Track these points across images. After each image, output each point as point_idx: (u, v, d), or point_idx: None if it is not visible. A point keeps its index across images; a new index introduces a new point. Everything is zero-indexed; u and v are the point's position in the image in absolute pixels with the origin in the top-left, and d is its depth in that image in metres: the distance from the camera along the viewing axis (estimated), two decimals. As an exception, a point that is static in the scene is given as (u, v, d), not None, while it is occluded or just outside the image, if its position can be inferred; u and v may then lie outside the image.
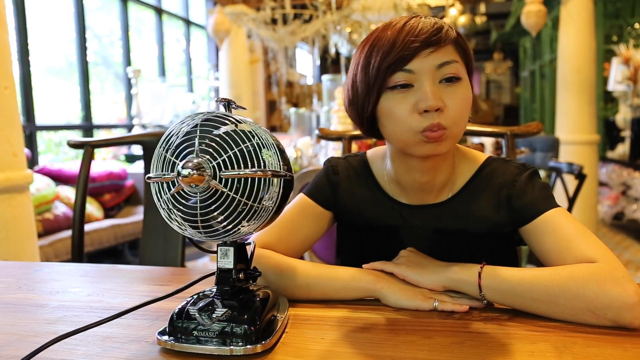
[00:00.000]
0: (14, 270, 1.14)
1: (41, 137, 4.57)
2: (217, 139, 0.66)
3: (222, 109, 0.71)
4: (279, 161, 0.68)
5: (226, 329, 0.67)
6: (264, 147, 0.67)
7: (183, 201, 0.67)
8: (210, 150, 0.66)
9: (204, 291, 0.74)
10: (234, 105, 0.73)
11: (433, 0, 5.73)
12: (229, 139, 0.66)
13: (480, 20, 8.06)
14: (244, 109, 0.76)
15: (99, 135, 5.03)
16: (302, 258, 0.95)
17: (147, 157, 1.53)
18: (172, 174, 0.67)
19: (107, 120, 5.34)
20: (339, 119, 4.15)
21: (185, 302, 0.71)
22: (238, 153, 0.66)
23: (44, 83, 4.58)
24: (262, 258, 0.86)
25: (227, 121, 0.67)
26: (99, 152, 4.73)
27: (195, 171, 0.64)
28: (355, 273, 0.85)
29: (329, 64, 8.94)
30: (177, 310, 0.70)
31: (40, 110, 4.25)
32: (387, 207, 0.95)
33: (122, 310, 0.72)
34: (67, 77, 4.88)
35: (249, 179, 0.65)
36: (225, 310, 0.68)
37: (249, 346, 0.66)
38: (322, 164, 1.05)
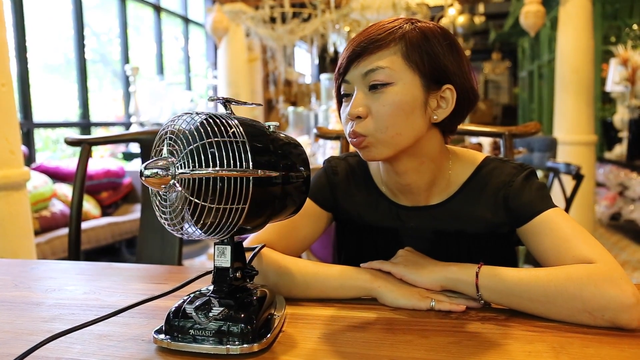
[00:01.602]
0: (10, 267, 1.14)
1: (39, 135, 4.56)
2: (187, 136, 0.64)
3: (221, 108, 0.71)
4: (248, 160, 0.64)
5: (223, 328, 0.67)
6: (233, 145, 0.64)
7: (161, 201, 0.68)
8: (176, 149, 0.65)
9: (201, 290, 0.74)
10: (233, 103, 0.72)
11: (432, 0, 5.73)
12: (196, 136, 0.64)
13: (479, 20, 8.07)
14: (247, 103, 0.75)
15: (96, 133, 5.02)
16: (300, 257, 0.95)
17: (144, 155, 1.53)
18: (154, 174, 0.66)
19: (105, 118, 5.33)
20: (337, 118, 4.14)
21: (182, 300, 0.71)
22: (201, 149, 0.63)
23: (41, 80, 4.56)
24: (260, 256, 0.86)
25: (205, 121, 0.65)
26: (96, 150, 4.73)
27: (157, 172, 0.63)
28: (352, 272, 0.85)
29: (328, 62, 8.94)
30: (173, 309, 0.70)
31: (37, 108, 4.24)
32: (385, 208, 0.95)
33: (118, 308, 0.72)
34: (65, 74, 4.87)
35: (211, 178, 0.62)
36: (221, 309, 0.67)
37: (245, 345, 0.66)
38: (320, 163, 1.06)
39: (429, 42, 0.82)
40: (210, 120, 0.65)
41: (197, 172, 0.62)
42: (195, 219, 0.64)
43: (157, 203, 0.69)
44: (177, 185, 0.63)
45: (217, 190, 0.63)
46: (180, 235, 0.69)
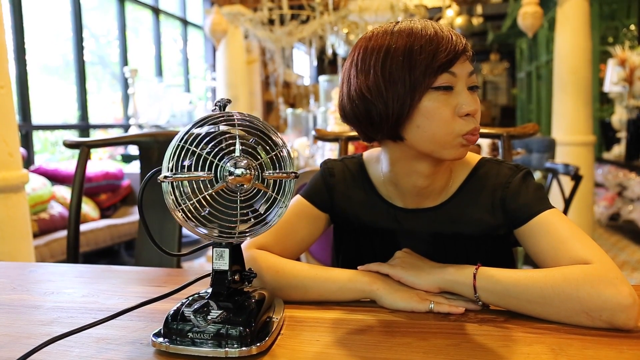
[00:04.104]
0: (8, 270, 1.13)
1: (37, 137, 4.56)
2: (253, 141, 0.71)
3: (218, 110, 0.71)
4: (290, 164, 0.73)
5: (221, 331, 0.67)
6: (288, 152, 0.73)
7: (223, 202, 0.68)
8: (250, 151, 0.69)
9: (199, 292, 0.74)
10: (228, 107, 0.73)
11: (430, 2, 5.74)
12: (268, 142, 0.71)
13: (477, 21, 8.08)
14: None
15: (95, 135, 5.02)
16: (298, 260, 0.95)
17: (143, 157, 1.53)
18: (209, 173, 0.66)
19: (103, 120, 5.33)
20: (335, 120, 4.14)
21: (181, 303, 0.71)
22: (274, 156, 0.71)
23: (40, 82, 4.56)
24: (258, 259, 0.86)
25: (256, 125, 0.71)
26: (95, 152, 4.72)
27: (247, 171, 0.67)
28: (351, 274, 0.85)
29: (326, 64, 8.93)
30: (172, 312, 0.70)
31: (36, 110, 4.23)
32: (382, 210, 0.95)
33: (117, 311, 0.72)
34: (64, 76, 4.87)
35: (280, 181, 0.72)
36: (220, 312, 0.67)
37: (244, 348, 0.66)
38: (318, 165, 1.05)
39: None
40: (264, 128, 0.72)
41: (281, 173, 0.71)
42: (266, 214, 0.71)
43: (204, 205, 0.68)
44: (260, 185, 0.70)
45: (289, 190, 0.73)
46: (217, 238, 0.71)
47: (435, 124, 0.81)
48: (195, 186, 0.67)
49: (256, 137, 0.70)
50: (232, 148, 0.68)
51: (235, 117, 0.70)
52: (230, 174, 0.66)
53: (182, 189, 0.67)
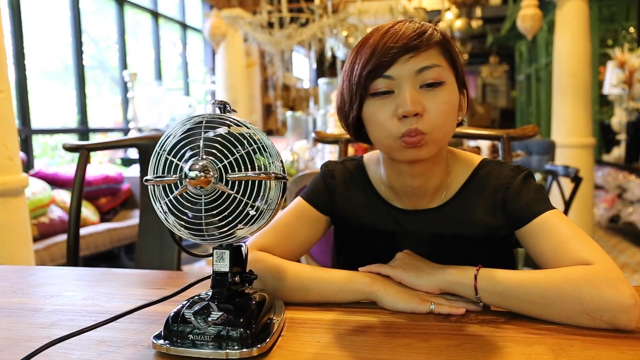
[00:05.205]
0: (8, 274, 1.13)
1: (37, 141, 4.56)
2: (221, 139, 0.67)
3: (217, 112, 0.71)
4: (280, 164, 0.69)
5: (222, 333, 0.67)
6: (264, 150, 0.68)
7: (187, 204, 0.68)
8: (214, 152, 0.66)
9: (200, 294, 0.74)
10: (228, 108, 0.73)
11: (429, 4, 5.75)
12: (233, 140, 0.67)
13: (476, 24, 8.09)
14: (235, 112, 0.76)
15: (95, 138, 5.02)
16: (298, 261, 0.95)
17: (143, 161, 1.53)
18: (174, 176, 0.67)
19: (103, 124, 5.33)
20: (335, 122, 4.14)
21: (181, 305, 0.71)
22: (245, 155, 0.67)
23: (39, 86, 4.57)
24: (258, 261, 0.86)
25: (228, 123, 0.68)
26: (94, 156, 4.73)
27: (202, 173, 0.65)
28: (351, 276, 0.85)
29: (326, 67, 8.95)
30: (172, 314, 0.70)
31: (36, 114, 4.24)
32: (383, 212, 0.95)
33: (117, 314, 0.72)
34: (63, 80, 4.87)
35: (250, 182, 0.66)
36: (220, 313, 0.67)
37: (244, 350, 0.66)
38: (318, 167, 1.05)
39: (453, 45, 0.86)
40: (239, 126, 0.68)
41: (243, 174, 0.66)
42: (232, 218, 0.67)
43: (176, 207, 0.69)
44: (223, 186, 0.66)
45: (260, 192, 0.67)
46: (196, 239, 0.70)
47: (375, 128, 0.84)
48: (167, 190, 0.69)
49: (224, 138, 0.67)
50: (196, 151, 0.67)
51: (204, 118, 0.68)
52: (185, 176, 0.65)
53: (155, 193, 0.70)
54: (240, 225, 0.67)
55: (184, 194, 0.67)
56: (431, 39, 0.81)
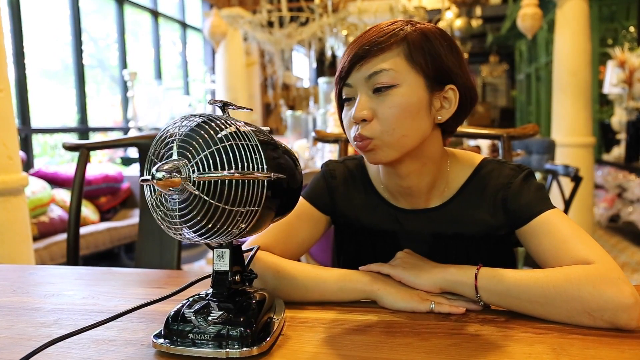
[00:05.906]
0: (8, 273, 1.13)
1: (37, 140, 4.56)
2: (198, 139, 0.64)
3: (218, 112, 0.71)
4: (262, 162, 0.65)
5: (222, 332, 0.67)
6: (246, 148, 0.64)
7: (167, 204, 0.67)
8: (187, 152, 0.64)
9: (200, 294, 0.74)
10: (232, 107, 0.72)
11: (429, 3, 5.75)
12: (208, 140, 0.64)
13: (476, 23, 8.09)
14: (246, 108, 0.76)
15: (94, 138, 5.02)
16: (299, 261, 0.95)
17: (142, 160, 1.53)
18: (148, 177, 0.65)
19: (103, 123, 5.33)
20: (335, 122, 4.14)
21: (181, 304, 0.71)
22: (216, 153, 0.63)
23: (39, 86, 4.56)
24: (258, 260, 0.86)
25: (211, 122, 0.65)
26: (94, 155, 4.72)
27: (169, 174, 0.62)
28: (352, 275, 0.85)
29: (326, 66, 8.95)
30: (172, 313, 0.70)
31: (35, 113, 4.23)
32: (383, 211, 0.95)
33: (117, 313, 0.72)
34: (63, 80, 4.87)
35: (227, 181, 0.63)
36: (221, 312, 0.67)
37: (245, 349, 0.66)
38: (318, 167, 1.05)
39: (430, 42, 0.83)
40: (218, 123, 0.65)
41: (214, 174, 0.62)
42: (206, 221, 0.64)
43: (158, 206, 0.69)
44: (191, 187, 0.63)
45: (231, 193, 0.63)
46: (180, 238, 0.69)
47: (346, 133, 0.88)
48: (150, 190, 0.69)
49: (201, 137, 0.64)
50: (170, 152, 0.65)
51: (185, 118, 0.67)
52: (153, 177, 0.63)
53: (145, 193, 0.70)
54: (216, 229, 0.64)
55: (163, 194, 0.67)
56: (388, 41, 0.82)
